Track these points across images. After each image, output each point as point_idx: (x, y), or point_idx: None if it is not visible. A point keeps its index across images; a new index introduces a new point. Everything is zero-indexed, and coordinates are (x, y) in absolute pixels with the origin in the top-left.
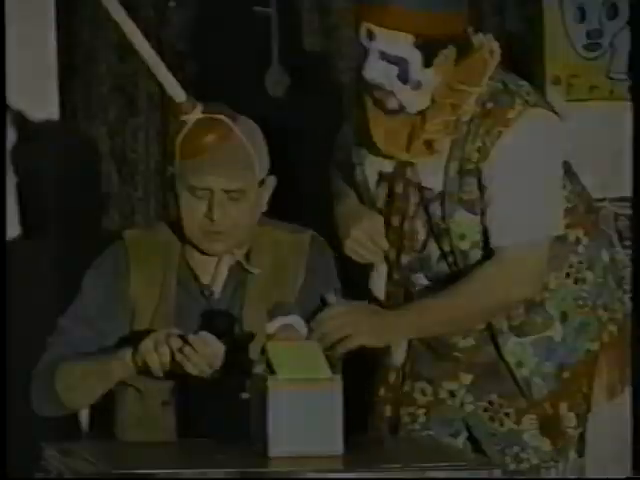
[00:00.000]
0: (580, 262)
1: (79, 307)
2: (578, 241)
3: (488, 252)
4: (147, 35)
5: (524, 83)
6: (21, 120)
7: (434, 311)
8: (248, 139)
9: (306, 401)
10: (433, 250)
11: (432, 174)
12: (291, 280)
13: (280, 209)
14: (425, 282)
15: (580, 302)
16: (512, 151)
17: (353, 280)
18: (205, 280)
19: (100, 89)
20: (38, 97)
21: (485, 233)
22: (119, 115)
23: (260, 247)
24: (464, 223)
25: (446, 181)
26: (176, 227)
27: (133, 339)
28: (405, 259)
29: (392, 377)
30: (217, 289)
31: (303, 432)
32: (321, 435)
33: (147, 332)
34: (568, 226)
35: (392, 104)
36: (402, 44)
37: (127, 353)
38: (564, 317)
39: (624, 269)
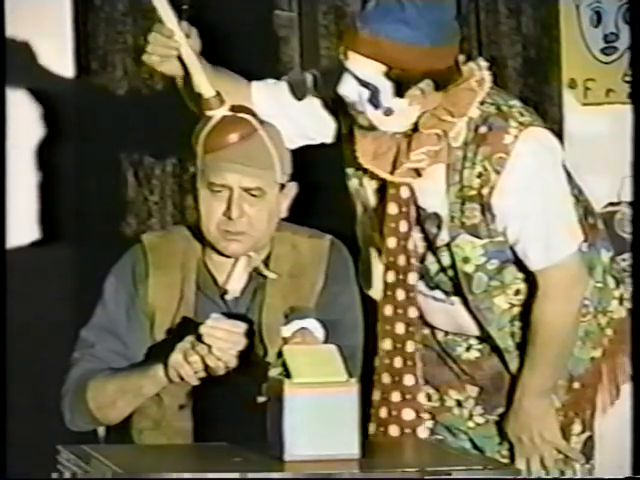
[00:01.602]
0: None
1: (102, 318)
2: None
3: (490, 273)
4: None
5: (515, 102)
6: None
7: (540, 375)
8: (271, 141)
9: (322, 405)
10: (431, 263)
11: (430, 196)
12: (310, 285)
13: (299, 214)
14: (426, 290)
15: (583, 310)
16: (518, 177)
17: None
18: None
19: (116, 92)
20: (53, 98)
21: (486, 255)
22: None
23: (279, 252)
24: (467, 247)
25: (448, 205)
26: (195, 229)
27: (159, 352)
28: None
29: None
30: (232, 289)
31: (320, 436)
32: (338, 439)
33: (171, 343)
34: None
35: (363, 122)
36: (372, 72)
37: (158, 369)
38: None
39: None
